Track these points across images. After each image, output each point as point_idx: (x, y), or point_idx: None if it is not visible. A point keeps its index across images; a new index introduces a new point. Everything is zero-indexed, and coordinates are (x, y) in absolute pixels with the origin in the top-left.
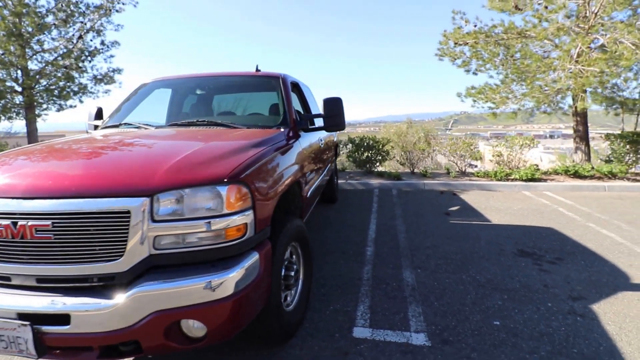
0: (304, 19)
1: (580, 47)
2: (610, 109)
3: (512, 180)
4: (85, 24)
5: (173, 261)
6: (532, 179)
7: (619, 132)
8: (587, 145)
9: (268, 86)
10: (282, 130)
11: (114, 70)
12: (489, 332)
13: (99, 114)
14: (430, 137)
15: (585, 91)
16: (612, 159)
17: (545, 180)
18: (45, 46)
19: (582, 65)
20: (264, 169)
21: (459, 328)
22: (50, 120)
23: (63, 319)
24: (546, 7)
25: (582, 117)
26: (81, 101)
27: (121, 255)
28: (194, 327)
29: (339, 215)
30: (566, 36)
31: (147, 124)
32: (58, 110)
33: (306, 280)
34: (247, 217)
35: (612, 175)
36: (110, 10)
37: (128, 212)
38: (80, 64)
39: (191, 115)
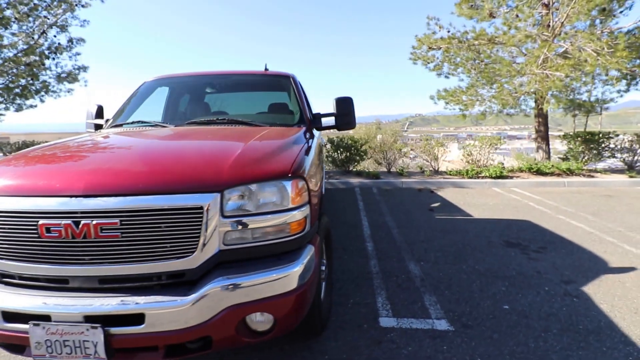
0: (271, 31)
1: (546, 54)
2: (569, 111)
3: (483, 177)
4: (49, 18)
5: (240, 256)
6: (500, 177)
7: (574, 132)
8: (548, 144)
9: (279, 85)
10: (302, 128)
11: (79, 68)
12: (502, 316)
13: (99, 113)
14: (397, 137)
15: (549, 94)
16: (568, 157)
17: (511, 177)
18: (4, 42)
19: (550, 70)
20: (311, 165)
21: (474, 313)
22: (7, 121)
23: (136, 318)
24: (517, 16)
25: (543, 119)
26: (42, 100)
27: (193, 252)
28: (259, 321)
29: (329, 212)
30: (532, 43)
31: (162, 123)
32: (17, 110)
33: (330, 274)
34: (306, 212)
35: (570, 172)
36: (74, 5)
37: (201, 208)
38: (45, 61)
39: (202, 113)
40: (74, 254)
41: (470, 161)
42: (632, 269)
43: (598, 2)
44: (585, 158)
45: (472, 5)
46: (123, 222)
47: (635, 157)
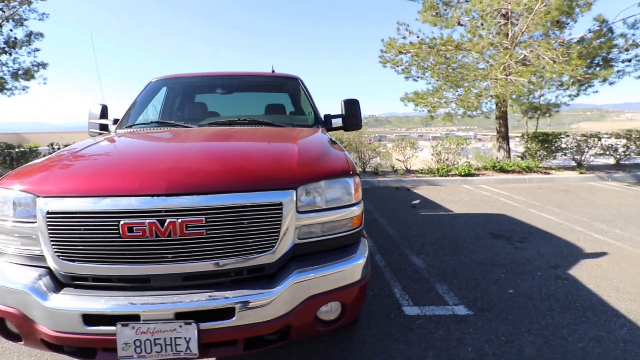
0: (236, 37)
1: (508, 60)
2: (526, 113)
3: (453, 175)
4: (4, 11)
5: (310, 250)
6: (469, 174)
7: (528, 132)
8: (508, 144)
9: (288, 87)
10: (320, 129)
11: (38, 65)
12: (510, 299)
13: (104, 113)
14: (363, 138)
15: (511, 98)
16: (526, 155)
17: (478, 175)
18: None
19: (513, 76)
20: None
21: (486, 298)
22: None
23: (227, 313)
24: (481, 25)
25: (503, 120)
26: None
27: (273, 247)
28: (331, 310)
29: None
30: (495, 50)
31: (184, 123)
32: None
33: None
34: (362, 207)
35: (529, 169)
36: None
37: (280, 204)
38: (1, 57)
39: (217, 114)
40: (156, 252)
41: (439, 160)
42: (604, 253)
43: (554, 15)
44: (541, 156)
45: (437, 13)
46: (208, 220)
47: (583, 156)
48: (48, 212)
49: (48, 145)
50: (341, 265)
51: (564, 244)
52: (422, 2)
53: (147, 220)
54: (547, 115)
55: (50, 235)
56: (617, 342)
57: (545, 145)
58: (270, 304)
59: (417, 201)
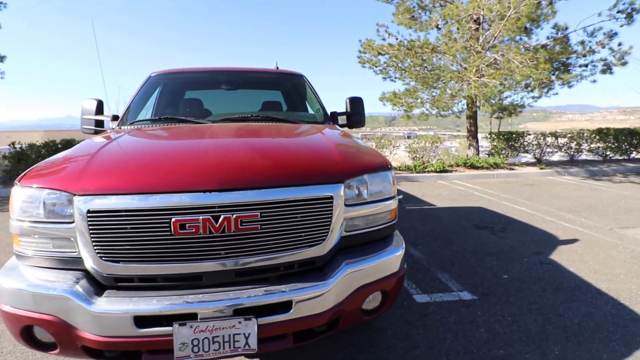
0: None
1: (481, 64)
2: (495, 113)
3: (428, 172)
4: None
5: (354, 242)
6: (443, 171)
7: (496, 131)
8: (477, 142)
9: (293, 83)
10: (335, 126)
11: None
12: (506, 283)
13: (99, 109)
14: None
15: (484, 99)
16: (493, 153)
17: (451, 171)
18: None
19: (487, 79)
20: None
21: (485, 284)
22: None
23: (284, 306)
24: (457, 29)
25: (473, 120)
26: None
27: (324, 239)
28: (373, 300)
29: None
30: (467, 53)
31: (195, 119)
32: None
33: None
34: (397, 200)
35: (496, 166)
36: None
37: (331, 198)
38: None
39: (223, 110)
40: (210, 249)
41: (415, 158)
42: (576, 240)
43: (523, 21)
44: (506, 154)
45: (412, 17)
46: (263, 214)
47: (542, 153)
48: (89, 211)
49: (9, 145)
50: (385, 256)
51: (539, 232)
52: (395, 5)
53: (201, 217)
54: (514, 115)
55: (92, 236)
56: (606, 316)
57: (510, 143)
58: (325, 295)
59: (400, 196)
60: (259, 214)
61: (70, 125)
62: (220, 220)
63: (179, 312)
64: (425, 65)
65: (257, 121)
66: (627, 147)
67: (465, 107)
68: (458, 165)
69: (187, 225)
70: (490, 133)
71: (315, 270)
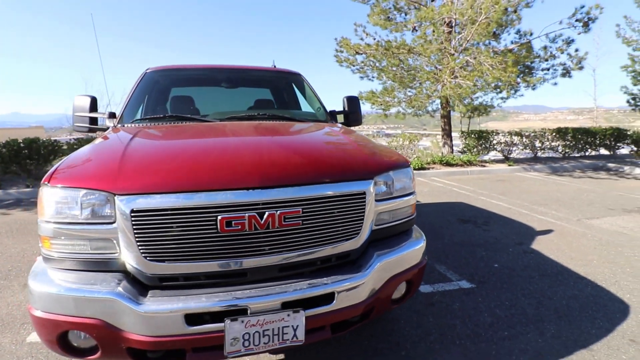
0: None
1: (455, 66)
2: (468, 113)
3: None
4: None
5: (381, 235)
6: (421, 168)
7: (467, 130)
8: (451, 140)
9: (292, 82)
10: (339, 124)
11: None
12: (498, 271)
13: (94, 106)
14: None
15: (459, 99)
16: (465, 150)
17: (428, 168)
18: None
19: (462, 80)
20: None
21: (480, 273)
22: None
23: (327, 298)
24: (434, 32)
25: (448, 119)
26: None
27: (358, 233)
28: (399, 289)
29: None
30: (441, 55)
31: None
32: None
33: None
34: (416, 195)
35: (469, 163)
36: None
37: (364, 193)
38: None
39: (224, 107)
40: (254, 245)
41: None
42: (551, 230)
43: (493, 26)
44: (478, 151)
45: (388, 18)
46: (304, 210)
47: (510, 151)
48: (133, 211)
49: None
50: (411, 247)
51: (518, 225)
52: (370, 5)
53: (247, 214)
54: (484, 114)
55: (137, 236)
56: (588, 297)
57: (481, 141)
58: (363, 285)
59: None
60: (300, 210)
61: (17, 123)
62: (265, 216)
63: (230, 308)
64: (402, 65)
65: (263, 119)
66: (584, 145)
67: (439, 106)
68: (434, 163)
69: (233, 222)
70: (463, 132)
71: (350, 263)
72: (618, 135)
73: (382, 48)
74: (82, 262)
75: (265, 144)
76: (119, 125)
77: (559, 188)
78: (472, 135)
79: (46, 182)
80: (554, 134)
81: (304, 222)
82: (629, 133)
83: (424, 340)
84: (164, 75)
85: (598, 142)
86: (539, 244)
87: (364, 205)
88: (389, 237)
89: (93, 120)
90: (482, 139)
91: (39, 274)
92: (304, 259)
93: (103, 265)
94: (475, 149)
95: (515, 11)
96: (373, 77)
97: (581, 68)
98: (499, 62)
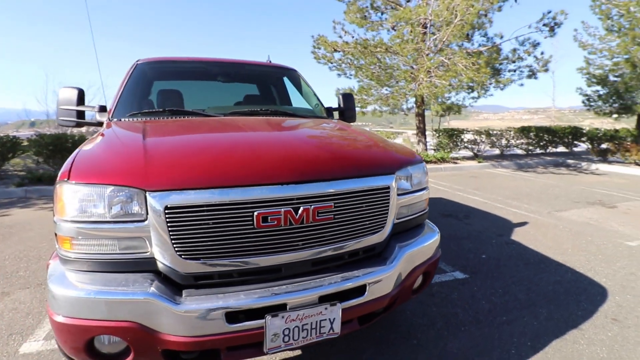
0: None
1: (431, 65)
2: (441, 112)
3: None
4: None
5: (401, 229)
6: None
7: (440, 129)
8: (425, 138)
9: (288, 78)
10: (340, 121)
11: None
12: (487, 262)
13: (81, 98)
14: None
15: (434, 98)
16: (438, 148)
17: None
18: None
19: (438, 80)
20: None
21: (471, 264)
22: None
23: (359, 291)
24: (411, 32)
25: (422, 117)
26: None
27: (383, 227)
28: (417, 280)
29: None
30: (417, 55)
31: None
32: None
33: None
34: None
35: (443, 160)
36: None
37: (388, 187)
38: None
39: (219, 101)
40: (289, 240)
41: None
42: (526, 222)
43: (467, 28)
44: (450, 149)
45: (365, 16)
46: (336, 205)
47: (479, 148)
48: (167, 208)
49: None
50: (429, 240)
51: (496, 218)
52: (346, 3)
53: (283, 209)
54: (457, 113)
55: (171, 233)
56: (570, 282)
57: (452, 139)
58: (390, 277)
59: None
60: (332, 204)
61: None
62: (300, 211)
63: (270, 304)
64: (379, 64)
65: (266, 115)
66: (545, 142)
67: (414, 105)
68: None
69: (269, 217)
70: (436, 130)
71: (375, 257)
72: (575, 133)
73: (360, 46)
74: (109, 263)
75: (290, 140)
76: (115, 119)
77: (527, 183)
78: (445, 133)
79: (65, 179)
80: (518, 132)
81: (336, 217)
82: (584, 131)
83: (431, 329)
84: (157, 67)
85: (557, 140)
86: (518, 236)
87: (388, 199)
88: (406, 230)
89: (80, 114)
90: (454, 137)
91: (59, 277)
92: (335, 253)
93: (132, 266)
94: (447, 147)
95: (485, 14)
96: (351, 74)
97: (546, 70)
98: (472, 63)
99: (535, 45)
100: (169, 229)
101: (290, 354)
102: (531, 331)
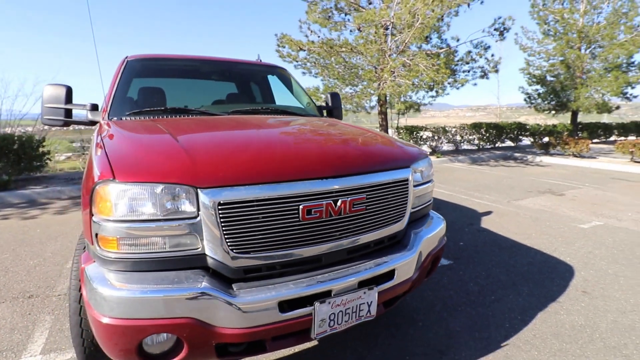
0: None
1: (395, 66)
2: (403, 110)
3: None
4: None
5: (414, 217)
6: None
7: (400, 125)
8: None
9: (278, 77)
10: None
11: None
12: (466, 249)
13: (69, 97)
14: None
15: (398, 97)
16: None
17: None
18: None
19: (402, 79)
20: None
21: (452, 251)
22: None
23: (389, 275)
24: (375, 33)
25: (385, 116)
26: None
27: (403, 216)
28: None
29: None
30: (380, 55)
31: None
32: None
33: None
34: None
35: None
36: None
37: (407, 179)
38: None
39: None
40: (328, 231)
41: None
42: (490, 212)
43: (427, 31)
44: None
45: (329, 16)
46: (368, 197)
47: (437, 144)
48: (219, 204)
49: None
50: (438, 226)
51: (464, 208)
52: (308, 3)
53: (324, 202)
54: (417, 111)
55: (224, 229)
56: (541, 263)
57: (412, 135)
58: (412, 261)
59: None
60: (365, 196)
61: None
62: (338, 203)
63: (317, 291)
64: (344, 63)
65: (266, 114)
66: (494, 138)
67: (377, 104)
68: None
69: (313, 210)
70: (398, 127)
71: (396, 244)
72: (520, 128)
73: (326, 46)
74: (159, 261)
75: (319, 137)
76: (115, 118)
77: (483, 176)
78: (406, 131)
79: (110, 178)
80: (471, 128)
81: (367, 207)
82: (528, 127)
83: (431, 311)
84: (150, 65)
85: (505, 135)
86: (487, 224)
87: (407, 190)
88: (417, 219)
89: (69, 112)
90: (414, 134)
91: (103, 279)
92: (365, 241)
93: (182, 263)
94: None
95: (441, 19)
96: (316, 73)
97: (497, 71)
98: (432, 64)
99: (487, 48)
100: (222, 224)
101: (309, 344)
102: (518, 307)
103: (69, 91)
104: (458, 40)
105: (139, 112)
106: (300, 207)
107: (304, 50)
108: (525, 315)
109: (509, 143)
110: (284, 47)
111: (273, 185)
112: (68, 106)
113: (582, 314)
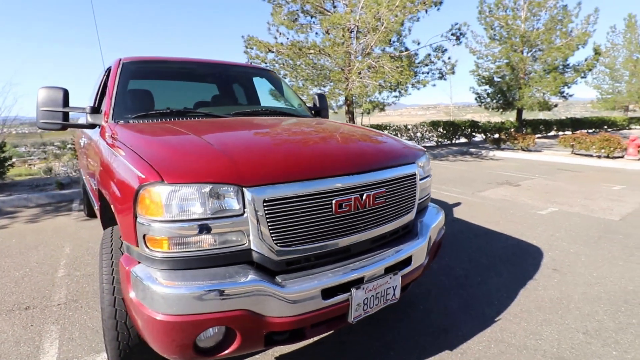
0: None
1: (363, 67)
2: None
3: None
4: None
5: (419, 209)
6: None
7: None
8: None
9: (269, 79)
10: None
11: None
12: (446, 237)
13: (66, 100)
14: None
15: (363, 97)
16: None
17: None
18: None
19: (370, 80)
20: None
21: None
22: None
23: (408, 261)
24: (343, 36)
25: (352, 115)
26: None
27: (413, 207)
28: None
29: None
30: (347, 57)
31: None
32: None
33: None
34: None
35: None
36: None
37: (415, 174)
38: None
39: (210, 103)
40: (357, 222)
41: None
42: (459, 202)
43: (391, 35)
44: None
45: (295, 19)
46: (387, 190)
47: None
48: (265, 201)
49: None
50: (439, 216)
51: (434, 200)
52: (273, 5)
53: (353, 196)
54: (382, 110)
55: (270, 224)
56: (514, 246)
57: None
58: (424, 248)
59: None
60: (384, 189)
61: None
62: (364, 197)
63: (352, 278)
64: (313, 65)
65: (266, 115)
66: (451, 135)
67: (344, 103)
68: None
69: (344, 204)
70: (369, 126)
71: (408, 233)
72: (473, 126)
73: (295, 48)
74: (208, 258)
75: (337, 137)
76: (120, 121)
77: (446, 170)
78: (377, 128)
79: (158, 180)
80: (430, 126)
81: (386, 200)
82: (480, 124)
83: (429, 295)
84: (146, 67)
85: (460, 132)
86: (458, 214)
87: (415, 183)
88: (420, 211)
89: (66, 116)
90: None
91: (154, 278)
92: (385, 231)
93: (230, 258)
94: None
95: (402, 24)
96: (285, 74)
97: (453, 72)
98: (396, 66)
99: (444, 51)
100: (268, 220)
101: (315, 337)
102: (503, 286)
103: (66, 94)
104: (419, 43)
105: (146, 114)
106: (333, 201)
107: (273, 52)
108: (511, 293)
109: (463, 140)
110: (252, 48)
111: (310, 182)
112: (66, 109)
113: (557, 289)
